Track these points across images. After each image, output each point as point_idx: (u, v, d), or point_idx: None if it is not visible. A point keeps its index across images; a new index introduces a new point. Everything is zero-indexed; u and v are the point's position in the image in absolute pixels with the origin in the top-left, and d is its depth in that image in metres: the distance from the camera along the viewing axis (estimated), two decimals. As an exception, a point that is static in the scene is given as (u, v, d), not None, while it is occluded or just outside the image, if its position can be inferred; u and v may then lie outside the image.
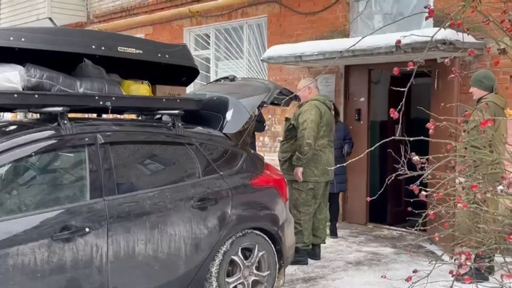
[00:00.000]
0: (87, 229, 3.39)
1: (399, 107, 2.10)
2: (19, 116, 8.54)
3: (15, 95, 3.52)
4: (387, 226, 7.49)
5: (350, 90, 7.73)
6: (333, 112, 5.93)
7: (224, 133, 4.52)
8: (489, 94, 5.10)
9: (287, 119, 5.92)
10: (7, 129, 3.61)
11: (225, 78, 5.59)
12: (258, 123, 7.03)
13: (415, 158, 2.31)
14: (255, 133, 7.45)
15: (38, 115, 4.09)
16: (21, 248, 3.14)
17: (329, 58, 6.73)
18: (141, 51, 4.12)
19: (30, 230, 3.22)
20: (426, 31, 5.74)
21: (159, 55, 4.25)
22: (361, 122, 7.56)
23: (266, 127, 7.58)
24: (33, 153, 3.43)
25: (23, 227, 3.20)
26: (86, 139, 3.64)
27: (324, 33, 7.82)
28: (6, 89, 3.50)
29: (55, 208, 3.38)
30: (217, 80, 5.81)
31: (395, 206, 7.73)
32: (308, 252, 5.74)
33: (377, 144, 2.57)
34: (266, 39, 8.86)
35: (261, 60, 8.09)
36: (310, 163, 5.59)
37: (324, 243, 5.96)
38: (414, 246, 6.31)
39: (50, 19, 11.68)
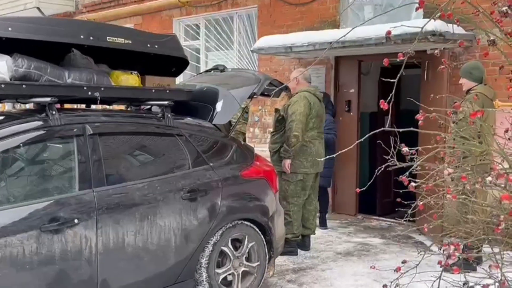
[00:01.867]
0: (76, 221, 3.37)
1: (389, 98, 2.10)
2: (7, 106, 8.45)
3: (2, 86, 3.45)
4: (377, 217, 7.53)
5: (340, 81, 7.73)
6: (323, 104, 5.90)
7: (214, 124, 4.50)
8: (478, 85, 5.12)
9: (276, 110, 5.90)
10: (-6, 120, 3.55)
11: (215, 68, 5.56)
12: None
13: (405, 149, 2.32)
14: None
15: (26, 105, 4.05)
16: (9, 239, 3.11)
17: (319, 49, 6.72)
18: (130, 41, 4.07)
19: (19, 221, 3.18)
20: (416, 22, 5.76)
21: (149, 45, 4.21)
22: (351, 113, 7.57)
23: (257, 119, 7.59)
24: (21, 144, 3.39)
25: (11, 219, 3.16)
26: (75, 130, 3.60)
27: (314, 24, 7.81)
28: (-7, 79, 3.46)
29: (43, 199, 3.35)
30: (207, 71, 5.77)
31: (385, 197, 7.77)
32: (298, 243, 5.76)
33: (366, 136, 2.57)
34: (256, 29, 8.83)
35: (251, 50, 8.07)
36: (300, 155, 5.59)
37: (314, 234, 5.97)
38: (403, 236, 6.35)
39: (38, 8, 11.55)
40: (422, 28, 2.42)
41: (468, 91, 5.16)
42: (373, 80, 8.07)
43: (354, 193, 7.42)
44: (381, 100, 2.14)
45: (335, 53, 7.39)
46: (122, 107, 4.79)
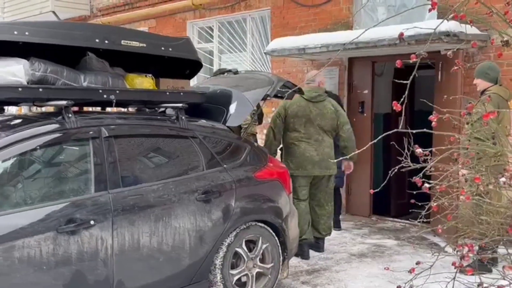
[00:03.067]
0: (92, 222, 3.41)
1: (402, 99, 2.11)
2: (23, 110, 8.57)
3: (20, 89, 3.53)
4: (391, 219, 7.50)
5: (353, 82, 7.72)
6: (328, 103, 5.66)
7: (227, 126, 4.53)
8: (493, 86, 5.09)
9: None
10: (12, 123, 3.61)
11: (229, 71, 5.59)
12: (259, 116, 7.06)
13: (418, 150, 2.32)
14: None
15: (42, 108, 4.11)
16: (26, 240, 3.16)
17: (332, 51, 6.72)
18: (144, 45, 4.12)
19: (36, 223, 3.23)
20: (430, 23, 5.74)
21: (163, 48, 4.25)
22: (365, 114, 7.56)
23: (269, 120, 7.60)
24: (38, 147, 3.44)
25: (28, 220, 3.21)
26: (91, 132, 3.65)
27: (327, 25, 7.80)
28: (11, 83, 3.52)
29: (60, 201, 3.40)
30: (220, 73, 5.79)
31: (399, 199, 7.73)
32: (312, 244, 5.75)
33: (379, 137, 2.58)
34: (269, 31, 8.85)
35: (265, 52, 8.09)
36: (287, 156, 5.63)
37: (328, 236, 5.91)
38: (418, 238, 6.33)
39: (54, 12, 11.68)
40: (435, 29, 2.42)
41: (483, 92, 5.13)
42: (387, 81, 8.03)
43: (368, 194, 7.40)
44: (394, 102, 2.15)
45: (348, 54, 7.39)
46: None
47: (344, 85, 7.74)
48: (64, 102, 3.57)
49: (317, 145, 5.60)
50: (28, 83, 3.60)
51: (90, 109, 4.68)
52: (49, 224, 3.27)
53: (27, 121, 3.61)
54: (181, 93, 4.37)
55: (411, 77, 2.23)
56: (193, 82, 6.34)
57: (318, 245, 5.82)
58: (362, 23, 7.45)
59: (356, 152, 2.79)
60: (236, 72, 5.42)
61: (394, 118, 7.89)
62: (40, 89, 3.60)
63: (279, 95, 5.23)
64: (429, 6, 2.28)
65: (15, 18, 12.55)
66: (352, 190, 7.73)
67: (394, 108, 2.23)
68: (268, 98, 4.88)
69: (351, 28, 7.51)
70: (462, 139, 2.80)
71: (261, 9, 8.91)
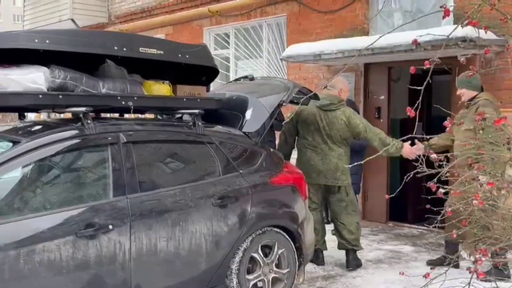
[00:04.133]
0: (110, 227, 3.46)
1: (416, 105, 2.12)
2: (42, 116, 8.71)
3: (40, 96, 3.59)
4: (408, 225, 7.47)
5: (369, 88, 7.72)
6: (340, 113, 5.39)
7: (243, 132, 4.57)
8: (481, 93, 5.18)
9: None
10: (33, 129, 3.70)
11: (244, 77, 5.63)
12: (277, 122, 7.07)
13: (433, 156, 2.33)
14: (274, 131, 7.51)
15: (61, 115, 4.19)
16: (47, 244, 3.22)
17: (348, 57, 6.74)
18: (162, 52, 4.18)
19: (56, 227, 3.30)
20: (446, 29, 5.73)
21: (180, 55, 4.31)
22: (381, 120, 7.54)
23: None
24: (58, 152, 3.52)
25: (48, 225, 3.28)
26: (109, 138, 3.71)
27: (343, 31, 7.82)
28: (32, 90, 3.59)
29: (79, 206, 3.47)
30: (236, 80, 5.84)
31: (416, 204, 7.70)
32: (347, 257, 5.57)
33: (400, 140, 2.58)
34: (285, 38, 8.89)
35: (281, 59, 8.13)
36: (298, 161, 5.59)
37: (355, 248, 5.57)
38: (434, 244, 6.29)
39: (73, 20, 11.88)
40: (448, 36, 2.44)
41: (471, 100, 5.14)
42: (403, 86, 8.01)
43: (384, 200, 7.37)
44: (408, 108, 2.16)
45: (364, 60, 7.39)
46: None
47: (360, 90, 7.75)
48: (83, 109, 3.63)
49: (323, 155, 5.41)
50: (48, 90, 3.66)
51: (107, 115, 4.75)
52: (69, 228, 3.33)
53: (47, 127, 3.69)
54: (198, 100, 4.42)
55: (425, 83, 2.25)
56: (209, 88, 6.39)
57: (347, 258, 5.54)
58: (378, 28, 7.46)
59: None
60: (252, 78, 5.46)
61: (411, 124, 7.87)
62: (60, 96, 3.67)
63: (294, 101, 5.26)
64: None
65: (34, 26, 12.78)
66: (368, 196, 7.71)
67: (408, 113, 2.25)
68: (284, 104, 4.90)
69: (367, 34, 7.52)
70: (477, 144, 2.80)
71: (277, 16, 8.97)
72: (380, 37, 2.77)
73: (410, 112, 2.15)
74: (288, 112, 8.48)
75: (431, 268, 2.59)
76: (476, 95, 5.16)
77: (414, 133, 2.38)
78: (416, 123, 2.17)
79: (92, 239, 3.39)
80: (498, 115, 4.81)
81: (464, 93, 5.23)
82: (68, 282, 3.32)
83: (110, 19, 12.37)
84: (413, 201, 7.72)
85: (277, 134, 7.35)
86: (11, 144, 3.46)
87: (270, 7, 9.00)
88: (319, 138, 5.43)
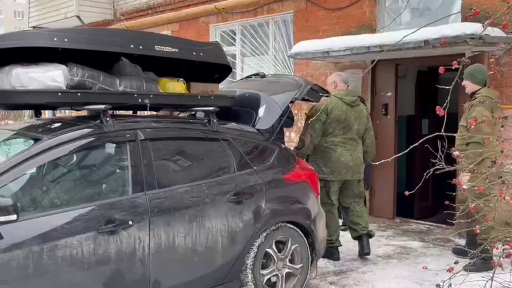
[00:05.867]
0: (130, 222, 3.51)
1: (444, 104, 2.17)
2: (47, 114, 8.75)
3: (59, 94, 3.65)
4: (415, 220, 7.52)
5: (377, 85, 7.75)
6: (363, 107, 5.75)
7: (256, 129, 4.62)
8: (483, 88, 5.22)
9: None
10: (52, 127, 3.74)
11: (256, 74, 5.68)
12: (287, 119, 7.11)
13: (456, 153, 2.38)
14: (284, 128, 7.55)
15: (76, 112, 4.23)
16: (69, 240, 3.27)
17: (356, 54, 6.78)
18: (176, 50, 4.23)
19: (77, 223, 3.35)
20: (455, 26, 5.78)
21: (194, 53, 4.35)
22: (388, 117, 7.59)
23: (293, 123, 7.67)
24: (78, 149, 3.56)
25: (70, 220, 3.33)
26: (128, 135, 3.76)
27: (350, 28, 7.86)
28: (51, 88, 3.64)
29: (99, 202, 3.52)
30: (247, 77, 5.88)
31: (423, 201, 7.76)
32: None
33: (420, 141, 2.62)
34: (292, 35, 8.92)
35: (288, 56, 8.16)
36: (320, 160, 5.52)
37: (369, 234, 5.76)
38: (443, 240, 6.35)
39: (78, 17, 11.90)
40: (464, 35, 2.47)
41: (472, 94, 5.23)
42: (410, 83, 8.06)
43: (392, 196, 7.44)
44: (437, 107, 2.21)
45: (371, 57, 7.40)
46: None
47: (367, 87, 7.78)
48: (102, 106, 3.68)
49: (352, 150, 5.56)
50: (66, 87, 3.71)
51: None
52: (90, 224, 3.38)
53: (66, 124, 3.73)
54: (212, 97, 4.47)
55: (453, 83, 2.29)
56: (219, 86, 6.44)
57: (361, 245, 5.67)
58: (386, 26, 7.48)
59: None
60: (263, 76, 5.51)
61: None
62: (79, 94, 3.72)
63: (306, 98, 5.31)
64: (454, 10, 2.34)
65: (40, 22, 12.81)
66: (375, 192, 7.76)
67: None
68: (296, 101, 4.94)
69: (375, 31, 7.55)
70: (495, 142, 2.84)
71: (283, 13, 8.99)
72: (415, 31, 2.75)
73: (440, 111, 2.20)
74: (294, 109, 8.55)
75: (454, 262, 2.63)
76: (478, 89, 5.21)
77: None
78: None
79: (113, 235, 3.44)
80: (492, 114, 4.89)
81: (468, 86, 5.31)
82: (89, 277, 3.37)
83: (116, 16, 12.39)
84: (419, 197, 7.76)
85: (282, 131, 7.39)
86: (32, 141, 3.51)
87: (276, 4, 9.03)
88: (350, 134, 5.55)
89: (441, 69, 2.37)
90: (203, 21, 10.34)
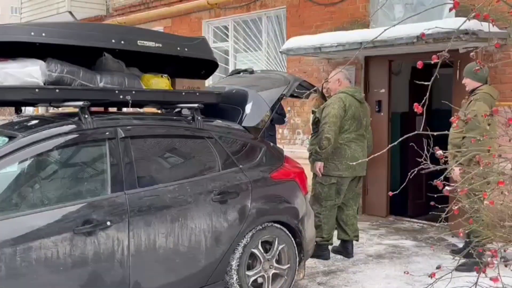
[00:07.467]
0: (108, 223, 3.41)
1: (423, 101, 2.06)
2: (40, 110, 8.62)
3: (37, 90, 3.54)
4: (408, 219, 7.43)
5: (370, 81, 7.65)
6: (366, 105, 5.74)
7: (243, 126, 4.51)
8: (483, 85, 5.19)
9: (313, 112, 5.82)
10: (29, 124, 3.63)
11: (244, 70, 5.57)
12: (279, 116, 7.02)
13: (439, 152, 2.27)
14: (275, 125, 7.46)
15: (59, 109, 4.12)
16: (44, 241, 3.16)
17: (349, 50, 6.67)
18: (160, 45, 4.11)
19: (53, 224, 3.24)
20: (448, 21, 5.67)
21: (178, 48, 4.23)
22: (382, 113, 7.49)
23: (286, 120, 7.57)
24: (54, 147, 3.45)
25: (45, 221, 3.22)
26: (107, 133, 3.65)
27: (343, 24, 7.75)
28: (28, 84, 3.53)
29: (77, 202, 3.41)
30: (236, 73, 5.76)
31: (416, 199, 7.67)
32: (338, 249, 5.69)
33: (399, 140, 2.53)
34: (285, 30, 8.81)
35: (280, 51, 8.05)
36: (334, 157, 5.42)
37: (357, 240, 5.76)
38: (436, 239, 6.25)
39: (70, 12, 11.79)
40: (457, 29, 2.37)
41: (472, 91, 5.19)
42: (404, 80, 7.96)
43: (385, 194, 7.34)
44: (415, 104, 2.10)
45: (365, 53, 7.32)
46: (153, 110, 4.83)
47: (360, 84, 7.67)
48: (80, 103, 3.57)
49: (363, 146, 5.58)
50: (44, 84, 3.60)
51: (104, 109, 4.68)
52: (66, 225, 3.28)
53: (44, 122, 3.62)
54: (197, 93, 4.35)
55: (433, 78, 2.18)
56: (208, 82, 6.34)
57: (347, 250, 5.65)
58: (379, 21, 7.38)
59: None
60: (251, 72, 5.39)
61: (412, 117, 7.83)
62: (57, 90, 3.61)
63: (295, 94, 5.21)
64: (448, 5, 2.24)
65: (32, 18, 12.69)
66: (369, 190, 7.66)
67: (414, 109, 2.19)
68: (284, 98, 4.84)
69: (368, 26, 7.44)
70: (483, 140, 2.73)
71: (276, 8, 8.88)
72: (384, 30, 2.69)
73: (417, 108, 2.09)
74: (287, 106, 8.45)
75: (436, 267, 2.53)
76: (479, 86, 5.16)
77: (421, 129, 2.32)
78: (424, 117, 2.10)
79: (90, 236, 3.34)
80: (490, 111, 4.80)
81: (468, 83, 5.27)
82: (65, 279, 3.27)
83: (108, 12, 12.28)
84: (413, 195, 7.68)
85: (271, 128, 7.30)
86: (6, 139, 3.40)
87: (269, -1, 8.92)
88: (362, 130, 5.58)
89: (419, 64, 2.26)
90: (196, 17, 10.23)
